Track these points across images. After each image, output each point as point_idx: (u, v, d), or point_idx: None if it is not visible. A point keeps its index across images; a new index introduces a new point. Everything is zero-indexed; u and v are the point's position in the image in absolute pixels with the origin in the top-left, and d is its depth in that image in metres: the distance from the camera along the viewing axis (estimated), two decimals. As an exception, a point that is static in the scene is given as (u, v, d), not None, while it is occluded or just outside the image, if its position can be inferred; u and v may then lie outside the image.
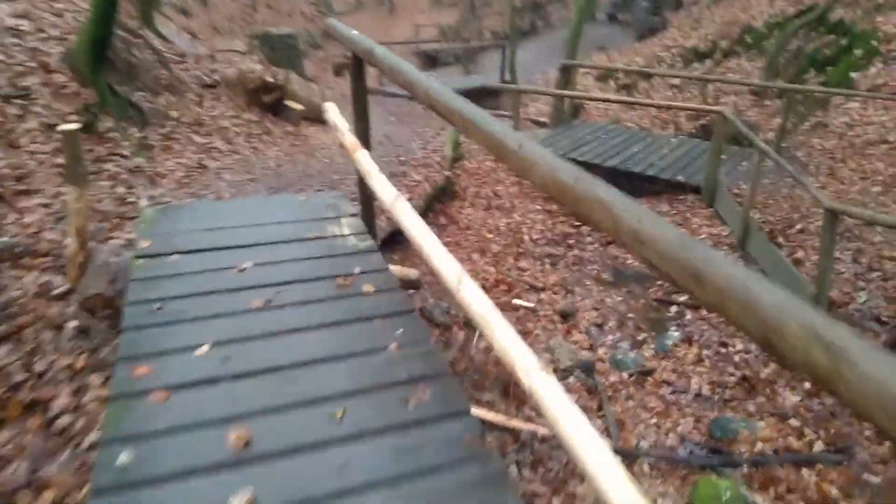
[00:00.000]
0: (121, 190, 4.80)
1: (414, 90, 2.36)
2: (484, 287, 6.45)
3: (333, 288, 2.90)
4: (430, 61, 25.50)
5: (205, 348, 2.39)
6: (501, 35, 23.91)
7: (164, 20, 14.60)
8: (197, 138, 6.58)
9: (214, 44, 16.97)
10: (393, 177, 7.33)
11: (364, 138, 3.44)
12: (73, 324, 3.08)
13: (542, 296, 6.31)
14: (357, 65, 3.31)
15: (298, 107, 8.14)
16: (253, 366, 2.30)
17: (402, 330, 2.52)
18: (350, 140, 3.30)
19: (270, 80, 7.90)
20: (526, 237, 7.80)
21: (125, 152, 5.34)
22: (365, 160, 3.09)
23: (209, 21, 19.21)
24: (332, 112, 3.72)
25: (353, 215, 3.82)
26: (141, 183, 4.98)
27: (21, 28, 5.73)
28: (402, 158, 8.23)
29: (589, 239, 7.55)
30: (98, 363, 2.91)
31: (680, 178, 8.78)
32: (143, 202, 4.51)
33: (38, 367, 2.80)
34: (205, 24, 18.77)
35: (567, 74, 11.12)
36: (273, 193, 5.63)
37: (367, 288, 2.89)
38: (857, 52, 10.51)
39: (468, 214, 7.89)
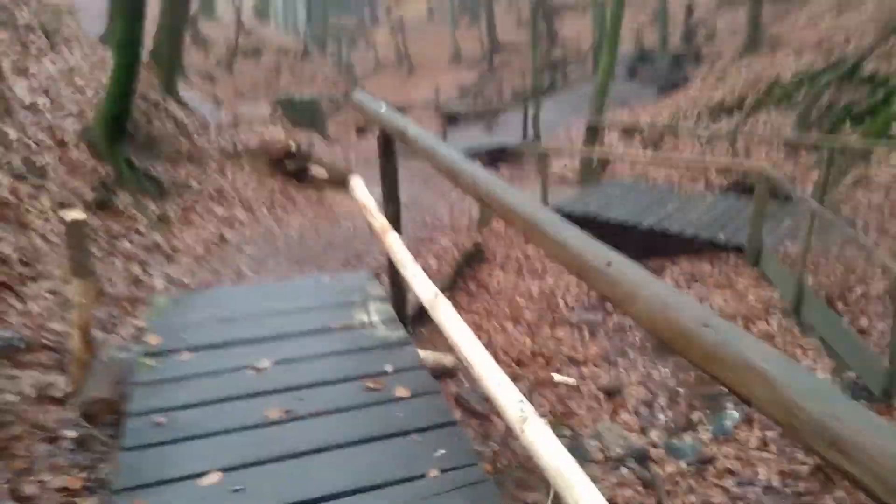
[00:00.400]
0: (136, 269, 4.53)
1: (458, 179, 2.03)
2: (520, 361, 6.05)
3: (362, 392, 2.54)
4: (452, 121, 25.62)
5: (213, 477, 2.03)
6: (522, 94, 23.98)
7: (187, 87, 14.77)
8: (218, 209, 6.36)
9: (238, 109, 17.16)
10: (420, 242, 7.04)
11: (395, 220, 3.12)
12: (71, 433, 2.75)
13: (584, 370, 5.89)
14: (386, 143, 3.02)
15: (322, 173, 7.96)
16: (268, 501, 1.93)
17: (443, 451, 2.14)
18: (380, 221, 2.99)
19: (294, 147, 7.73)
20: (561, 302, 7.42)
21: (142, 228, 5.12)
22: (397, 246, 2.76)
23: (234, 86, 19.49)
24: (359, 188, 3.44)
25: (381, 299, 3.48)
26: (157, 261, 4.71)
27: (39, 104, 5.61)
28: (428, 221, 7.95)
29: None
30: (97, 482, 2.56)
31: (721, 237, 8.38)
32: (158, 283, 4.22)
33: (28, 489, 2.45)
34: (229, 89, 19.04)
35: (594, 133, 10.89)
36: (296, 267, 5.35)
37: (401, 392, 2.52)
38: (896, 103, 10.17)
39: (499, 279, 7.55)
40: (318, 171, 7.95)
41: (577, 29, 34.94)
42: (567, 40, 33.90)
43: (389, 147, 3.08)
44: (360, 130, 21.40)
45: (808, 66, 13.42)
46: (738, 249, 8.17)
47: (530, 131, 16.85)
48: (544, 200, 9.48)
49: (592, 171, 10.90)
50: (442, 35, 44.32)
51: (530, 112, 16.85)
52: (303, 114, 17.78)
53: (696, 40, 24.92)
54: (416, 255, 3.14)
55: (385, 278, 4.07)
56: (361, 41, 50.04)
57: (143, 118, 6.42)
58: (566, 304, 7.38)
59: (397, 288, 3.50)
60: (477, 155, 15.46)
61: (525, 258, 8.27)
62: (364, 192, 3.38)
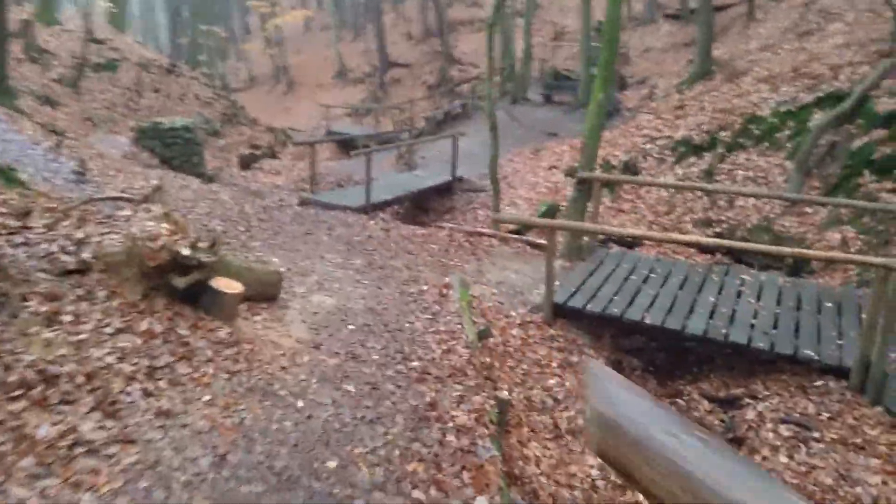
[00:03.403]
0: None
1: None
2: None
3: None
4: (344, 147, 22.48)
5: None
6: (432, 119, 21.29)
7: (9, 117, 10.81)
8: (31, 419, 3.14)
9: (90, 141, 13.21)
10: (405, 415, 4.07)
11: None
12: None
13: None
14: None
15: (234, 289, 4.78)
16: None
17: None
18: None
19: (186, 248, 4.51)
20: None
21: None
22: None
23: (81, 111, 15.38)
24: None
25: None
26: None
27: None
28: (401, 355, 5.00)
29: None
30: None
31: (809, 353, 6.01)
32: None
33: None
34: (75, 115, 14.94)
35: (587, 189, 8.32)
36: None
37: None
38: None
39: (536, 457, 4.70)
40: (226, 284, 4.76)
41: (472, 47, 32.88)
42: (464, 55, 31.71)
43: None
44: (245, 164, 17.85)
45: (789, 99, 11.64)
46: (838, 373, 5.85)
47: (462, 170, 14.11)
48: (549, 302, 6.75)
49: (579, 240, 8.30)
50: (322, 49, 40.90)
51: (457, 141, 14.11)
52: (174, 146, 14.13)
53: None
54: None
55: None
56: (232, 54, 45.67)
57: None
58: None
59: None
60: (402, 200, 12.55)
61: (554, 402, 5.48)
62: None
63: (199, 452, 3.34)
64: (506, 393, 4.78)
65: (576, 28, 28.59)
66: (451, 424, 4.19)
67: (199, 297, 4.76)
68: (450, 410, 4.36)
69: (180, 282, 4.59)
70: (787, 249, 7.14)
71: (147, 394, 3.68)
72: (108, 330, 4.03)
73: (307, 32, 45.58)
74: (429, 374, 4.79)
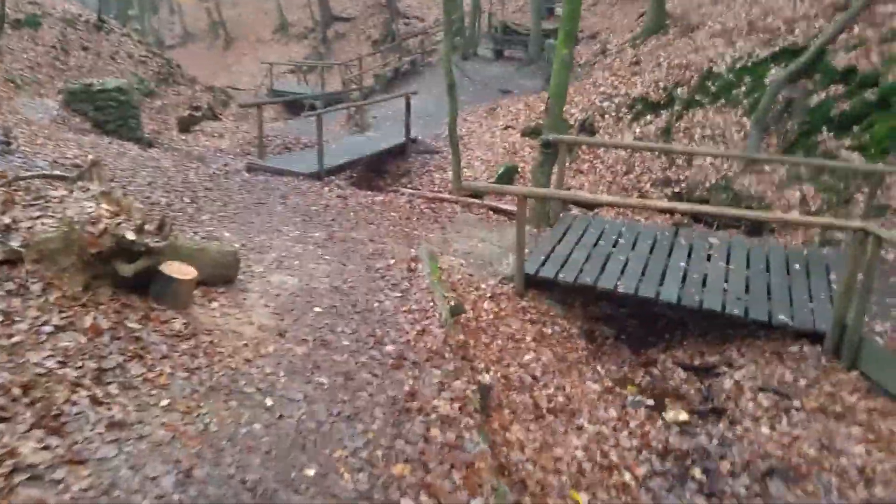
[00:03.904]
0: None
1: None
2: None
3: None
4: (292, 108, 21.61)
5: None
6: (381, 78, 20.59)
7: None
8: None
9: (14, 106, 12.21)
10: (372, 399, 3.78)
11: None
12: None
13: None
14: None
15: (188, 274, 4.34)
16: None
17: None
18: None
19: (131, 233, 4.05)
20: (625, 470, 4.54)
21: None
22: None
23: (4, 72, 14.22)
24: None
25: None
26: None
27: None
28: (374, 339, 4.69)
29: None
30: None
31: (783, 318, 5.94)
32: None
33: None
34: (-3, 77, 13.81)
35: (553, 151, 8.04)
36: None
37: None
38: (905, 109, 8.36)
39: (520, 441, 4.49)
40: (178, 269, 4.33)
41: (421, 5, 31.88)
42: (409, 8, 30.74)
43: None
44: (185, 127, 16.92)
45: (745, 54, 11.52)
46: (814, 337, 5.81)
47: (416, 131, 13.63)
48: (520, 268, 6.50)
49: (546, 206, 8.06)
50: (261, 2, 39.08)
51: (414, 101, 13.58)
52: (107, 109, 13.18)
53: (558, 15, 22.90)
54: None
55: None
56: (164, 8, 43.37)
57: None
58: (634, 471, 4.52)
59: None
60: (356, 165, 12.07)
61: (533, 380, 5.27)
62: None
63: (161, 469, 2.98)
64: (487, 376, 4.52)
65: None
66: (433, 416, 3.92)
67: (148, 285, 4.32)
68: (431, 400, 4.08)
69: (127, 269, 4.14)
70: (766, 214, 7.07)
71: (96, 402, 3.27)
72: (47, 329, 3.58)
73: (244, -15, 43.48)
74: (405, 358, 4.50)
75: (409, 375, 4.29)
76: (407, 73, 21.54)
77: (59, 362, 3.40)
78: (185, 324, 4.16)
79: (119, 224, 4.11)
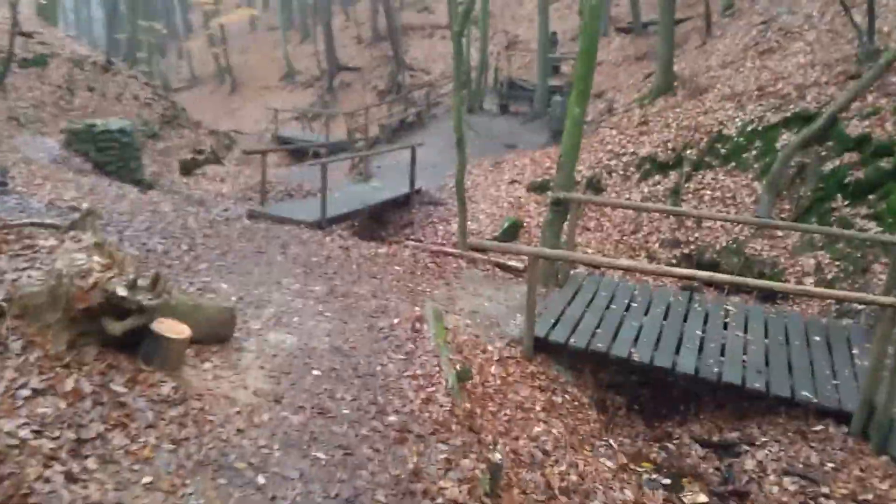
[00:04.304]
0: None
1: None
2: None
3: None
4: (295, 155, 21.59)
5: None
6: (387, 127, 20.62)
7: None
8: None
9: (15, 144, 12.07)
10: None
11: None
12: None
13: None
14: None
15: (181, 333, 4.05)
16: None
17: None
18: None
19: (123, 289, 3.78)
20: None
21: None
22: None
23: (6, 110, 14.16)
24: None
25: None
26: None
27: None
28: (376, 408, 4.37)
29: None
30: None
31: (806, 395, 5.64)
32: None
33: None
34: (1, 115, 13.73)
35: (563, 210, 7.84)
36: None
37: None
38: (922, 180, 8.21)
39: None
40: (170, 327, 4.03)
41: (423, 53, 32.34)
42: (415, 61, 31.12)
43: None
44: (187, 170, 16.82)
45: (755, 118, 11.47)
46: (839, 417, 5.50)
47: (420, 182, 13.49)
48: (530, 331, 6.21)
49: (555, 265, 7.81)
50: (269, 50, 39.65)
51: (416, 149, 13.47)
52: (108, 150, 13.04)
53: (563, 72, 23.11)
54: None
55: None
56: (172, 52, 43.98)
57: None
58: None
59: None
60: (358, 215, 11.87)
61: (544, 454, 4.93)
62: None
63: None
64: (497, 454, 4.18)
65: (528, 37, 28.41)
66: (440, 500, 3.58)
67: (138, 344, 4.02)
68: (437, 480, 3.75)
69: (116, 327, 3.85)
70: (796, 287, 6.84)
71: (71, 479, 2.95)
72: (24, 393, 3.28)
73: (253, 32, 44.23)
74: (409, 431, 4.18)
75: (413, 451, 3.96)
76: (412, 125, 21.60)
77: (35, 431, 3.09)
78: (174, 388, 3.85)
79: (111, 279, 3.84)
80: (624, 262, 8.78)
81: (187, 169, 17.15)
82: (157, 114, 19.01)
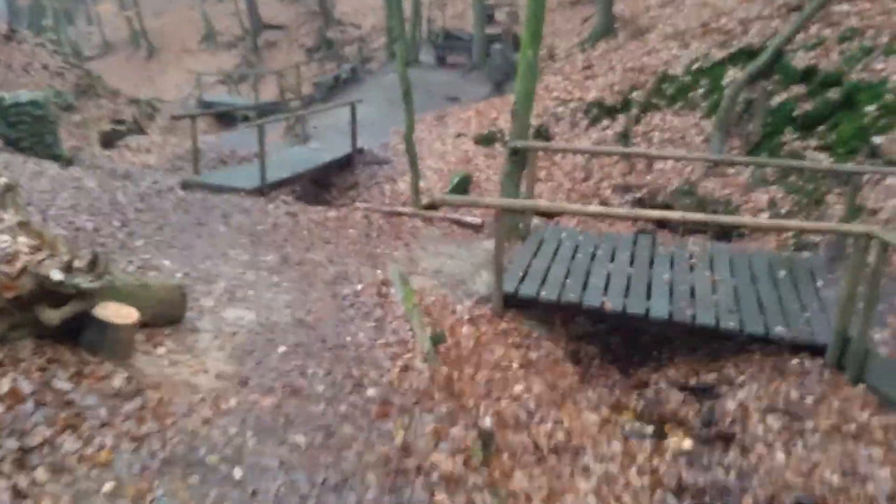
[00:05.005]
0: None
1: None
2: None
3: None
4: (224, 120, 20.56)
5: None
6: (323, 85, 19.84)
7: None
8: None
9: None
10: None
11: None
12: None
13: None
14: None
15: (128, 317, 3.62)
16: None
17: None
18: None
19: (58, 272, 3.32)
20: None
21: None
22: None
23: None
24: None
25: None
26: None
27: None
28: (352, 381, 4.07)
29: None
30: None
31: (780, 331, 5.60)
32: None
33: None
34: None
35: (521, 159, 7.56)
36: None
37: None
38: (870, 108, 8.23)
39: (525, 493, 3.93)
40: (115, 311, 3.60)
41: (352, 6, 31.21)
42: (344, 15, 30.01)
43: None
44: (108, 142, 15.78)
45: (700, 56, 11.38)
46: (814, 350, 5.48)
47: (361, 141, 12.96)
48: (498, 285, 5.96)
49: (517, 218, 7.56)
50: (185, 11, 37.58)
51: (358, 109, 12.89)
52: (19, 124, 12.00)
53: (498, 20, 22.59)
54: None
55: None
56: (80, 18, 41.28)
57: None
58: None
59: None
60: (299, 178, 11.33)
61: (528, 415, 4.73)
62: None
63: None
64: (487, 420, 3.95)
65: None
66: (435, 475, 3.33)
67: (80, 333, 3.58)
68: (428, 454, 3.49)
69: (53, 316, 3.40)
70: (767, 222, 6.80)
71: (18, 494, 2.56)
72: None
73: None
74: (391, 403, 3.89)
75: (398, 425, 3.68)
76: (346, 82, 20.82)
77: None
78: (127, 379, 3.45)
79: (42, 261, 3.37)
80: (594, 208, 8.60)
81: (109, 141, 16.10)
82: (70, 83, 17.74)
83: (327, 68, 22.83)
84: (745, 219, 6.79)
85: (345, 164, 12.41)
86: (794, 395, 5.13)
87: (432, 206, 8.18)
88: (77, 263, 3.50)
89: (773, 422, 4.89)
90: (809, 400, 5.05)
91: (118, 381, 3.40)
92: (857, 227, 5.24)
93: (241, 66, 29.20)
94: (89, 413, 3.11)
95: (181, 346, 4.06)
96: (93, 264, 3.55)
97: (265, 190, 9.86)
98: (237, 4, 31.68)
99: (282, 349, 4.30)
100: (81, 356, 3.47)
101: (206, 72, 25.71)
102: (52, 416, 2.99)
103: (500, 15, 22.24)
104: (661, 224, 9.42)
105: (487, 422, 3.95)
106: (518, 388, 4.99)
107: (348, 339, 4.60)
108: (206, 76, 24.72)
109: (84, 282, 3.40)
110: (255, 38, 30.50)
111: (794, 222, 6.68)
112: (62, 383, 3.22)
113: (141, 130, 17.81)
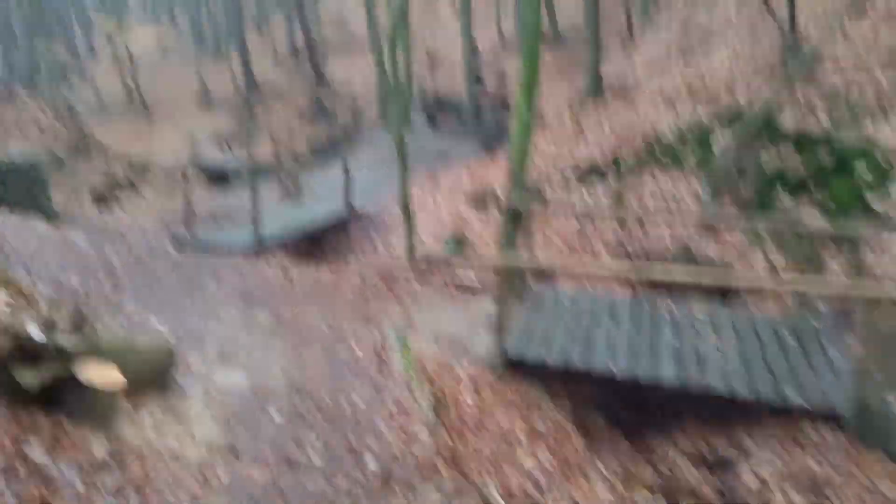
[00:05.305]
0: None
1: None
2: None
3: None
4: (218, 179, 20.48)
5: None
6: (321, 147, 19.91)
7: None
8: None
9: None
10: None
11: None
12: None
13: None
14: None
15: (111, 380, 3.36)
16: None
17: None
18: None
19: (36, 329, 3.08)
20: None
21: None
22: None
23: None
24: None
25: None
26: None
27: None
28: (352, 454, 3.78)
29: None
30: None
31: (796, 398, 5.38)
32: None
33: None
34: None
35: (516, 218, 7.43)
36: None
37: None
38: (863, 171, 8.25)
39: None
40: (99, 373, 3.34)
41: (345, 69, 31.68)
42: (338, 84, 30.43)
43: None
44: (100, 199, 15.64)
45: (688, 118, 11.47)
46: (831, 419, 5.25)
47: (355, 199, 12.86)
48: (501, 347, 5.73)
49: (515, 279, 7.36)
50: (181, 72, 38.04)
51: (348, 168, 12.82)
52: (14, 184, 11.86)
53: (488, 84, 22.95)
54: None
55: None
56: (75, 76, 41.67)
57: None
58: None
59: None
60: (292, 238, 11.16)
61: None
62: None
63: None
64: (497, 495, 3.66)
65: (448, 50, 28.18)
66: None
67: (59, 397, 3.31)
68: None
69: (30, 377, 3.14)
70: (783, 279, 6.60)
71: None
72: None
73: (162, 53, 42.47)
74: (393, 477, 3.60)
75: (402, 502, 3.39)
76: (340, 141, 20.92)
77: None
78: (108, 449, 3.16)
79: (19, 318, 3.13)
80: (599, 264, 8.45)
81: (101, 199, 15.99)
82: (62, 141, 17.73)
83: (320, 128, 22.97)
84: (762, 277, 6.62)
85: (339, 223, 12.28)
86: (815, 467, 4.88)
87: (430, 262, 8.00)
88: (58, 320, 3.26)
89: (797, 497, 4.62)
90: (832, 474, 4.80)
91: (99, 450, 3.13)
92: (877, 291, 5.08)
93: (235, 127, 29.40)
94: (65, 489, 2.83)
95: (168, 412, 3.78)
96: (75, 322, 3.31)
97: (258, 248, 9.67)
98: (232, 66, 32.11)
99: (276, 417, 4.02)
100: (60, 423, 3.19)
101: (201, 132, 25.79)
102: (23, 492, 2.70)
103: (489, 80, 22.63)
104: (655, 286, 9.26)
105: (498, 498, 3.66)
106: (528, 462, 4.70)
107: (346, 405, 4.34)
108: (200, 136, 24.78)
109: (65, 341, 3.15)
110: (250, 99, 30.79)
111: (833, 281, 6.51)
112: (37, 455, 2.94)
113: (133, 188, 17.71)
